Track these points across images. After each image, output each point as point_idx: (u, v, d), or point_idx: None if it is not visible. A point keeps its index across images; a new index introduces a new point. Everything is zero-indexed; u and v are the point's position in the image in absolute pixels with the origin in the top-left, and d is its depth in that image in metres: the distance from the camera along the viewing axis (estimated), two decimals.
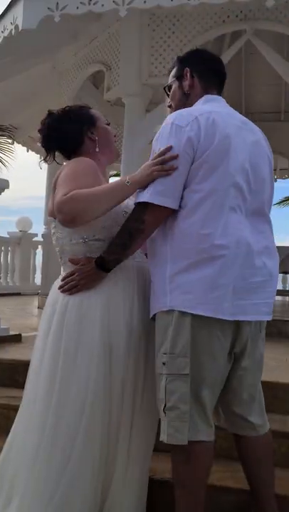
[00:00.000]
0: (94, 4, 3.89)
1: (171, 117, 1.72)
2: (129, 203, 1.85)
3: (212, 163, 1.65)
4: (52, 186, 1.87)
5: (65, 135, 1.92)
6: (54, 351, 1.80)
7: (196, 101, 1.83)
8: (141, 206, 1.68)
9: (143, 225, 1.67)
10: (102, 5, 3.88)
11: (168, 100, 1.93)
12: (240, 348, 1.74)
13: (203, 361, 1.66)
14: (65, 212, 1.67)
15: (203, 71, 1.86)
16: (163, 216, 1.68)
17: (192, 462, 1.68)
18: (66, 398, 1.75)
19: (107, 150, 1.98)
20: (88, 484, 1.75)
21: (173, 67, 1.92)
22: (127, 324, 1.81)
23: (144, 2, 3.87)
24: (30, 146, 7.57)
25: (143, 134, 4.82)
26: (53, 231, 1.93)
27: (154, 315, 1.75)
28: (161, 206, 1.65)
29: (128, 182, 1.71)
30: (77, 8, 3.87)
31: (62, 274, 1.92)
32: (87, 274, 1.78)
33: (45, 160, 1.98)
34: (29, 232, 9.09)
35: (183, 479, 1.72)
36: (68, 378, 1.76)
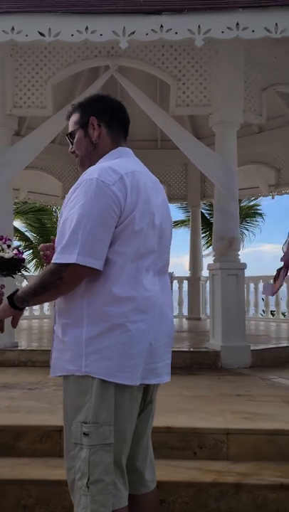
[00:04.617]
0: None
1: (93, 172, 1.63)
2: None
3: (135, 226, 1.62)
4: None
5: None
6: None
7: (106, 151, 1.76)
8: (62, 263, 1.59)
9: (60, 281, 1.58)
10: None
11: (70, 147, 1.84)
12: (147, 402, 1.75)
13: (125, 425, 1.61)
14: None
15: (109, 120, 1.79)
16: (84, 276, 1.59)
17: None
18: None
19: None
20: None
21: (72, 113, 1.83)
22: None
23: None
24: None
25: (8, 165, 4.70)
26: None
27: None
28: (85, 266, 1.56)
29: None
30: None
31: None
32: (2, 309, 1.71)
33: None
34: None
35: None
36: None
